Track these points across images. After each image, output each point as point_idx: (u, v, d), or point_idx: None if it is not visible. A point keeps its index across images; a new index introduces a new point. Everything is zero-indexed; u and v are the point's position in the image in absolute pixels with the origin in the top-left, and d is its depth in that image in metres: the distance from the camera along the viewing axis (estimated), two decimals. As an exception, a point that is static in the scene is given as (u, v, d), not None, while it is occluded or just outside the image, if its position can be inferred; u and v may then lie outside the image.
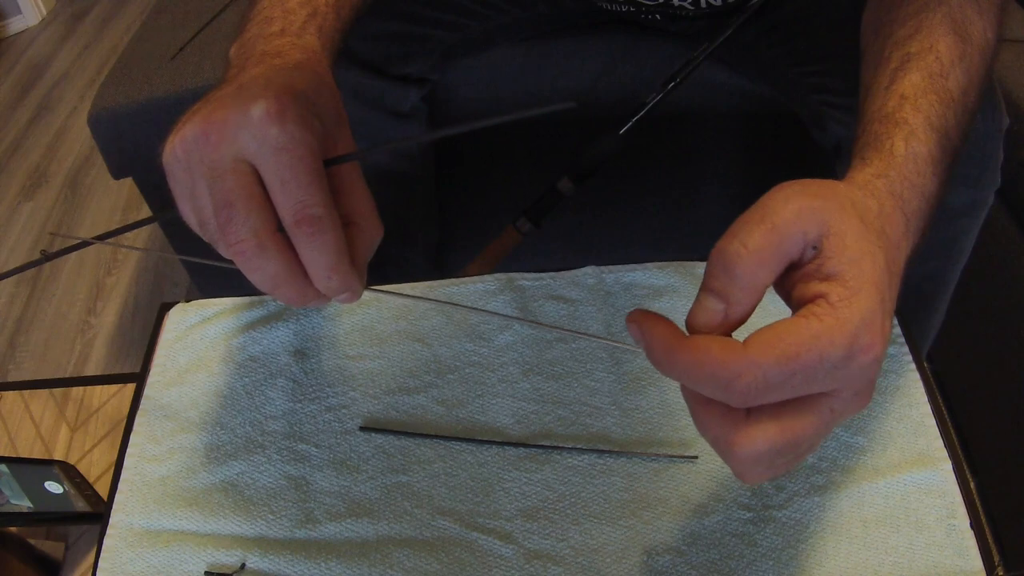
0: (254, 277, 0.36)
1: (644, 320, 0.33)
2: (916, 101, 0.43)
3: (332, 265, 0.36)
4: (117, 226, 0.43)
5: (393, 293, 0.43)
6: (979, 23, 0.48)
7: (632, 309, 0.35)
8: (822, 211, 0.32)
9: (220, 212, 0.35)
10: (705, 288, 0.33)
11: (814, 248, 0.32)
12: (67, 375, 1.44)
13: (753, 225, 0.31)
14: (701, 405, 0.33)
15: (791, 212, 0.31)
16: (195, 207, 0.37)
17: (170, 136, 0.38)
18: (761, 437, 0.31)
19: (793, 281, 0.33)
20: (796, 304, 0.33)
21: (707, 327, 0.32)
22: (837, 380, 0.31)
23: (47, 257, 0.42)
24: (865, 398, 0.32)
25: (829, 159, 0.77)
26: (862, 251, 0.32)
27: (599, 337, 0.41)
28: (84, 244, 0.42)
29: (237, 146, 0.35)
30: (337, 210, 0.37)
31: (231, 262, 0.37)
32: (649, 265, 0.64)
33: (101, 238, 0.42)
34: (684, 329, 0.33)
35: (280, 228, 0.36)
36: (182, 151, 0.37)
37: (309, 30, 0.45)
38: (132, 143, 1.11)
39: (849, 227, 0.32)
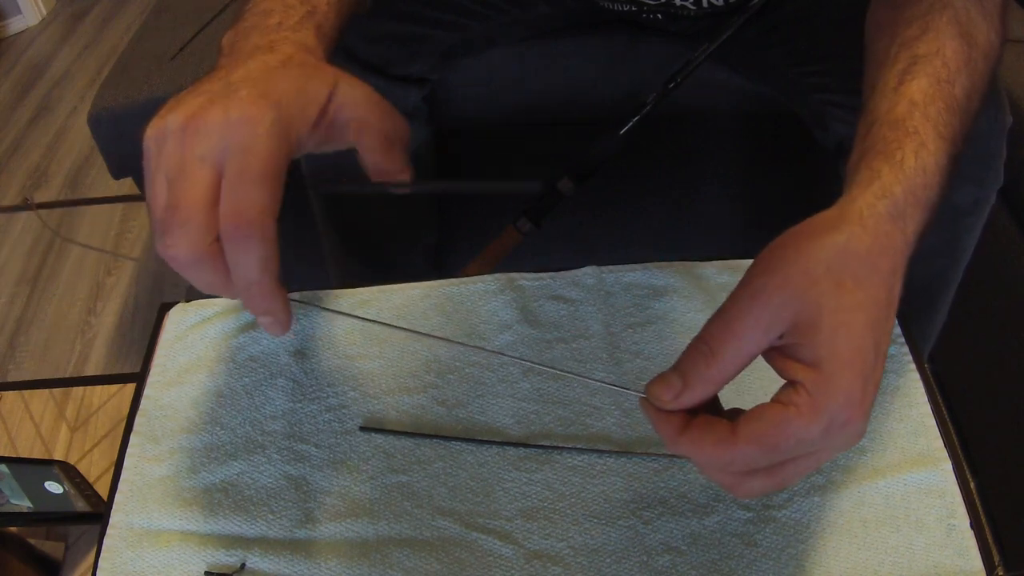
0: (193, 282, 0.36)
1: (653, 413, 0.38)
2: (925, 109, 0.43)
3: (253, 279, 0.35)
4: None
5: (325, 309, 0.41)
6: (983, 26, 0.48)
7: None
8: (786, 305, 0.35)
9: (165, 211, 0.35)
10: (674, 365, 0.37)
11: (781, 338, 0.35)
12: (67, 375, 1.44)
13: (721, 330, 0.35)
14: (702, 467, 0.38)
15: (752, 319, 0.35)
16: (151, 194, 0.37)
17: (155, 118, 0.37)
18: (757, 486, 0.37)
19: (773, 357, 0.37)
20: (777, 371, 0.36)
21: (659, 399, 0.37)
22: (818, 448, 0.35)
23: (28, 206, 0.42)
24: (849, 447, 0.37)
25: (830, 158, 0.77)
26: (836, 325, 0.35)
27: (605, 382, 0.41)
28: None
29: (209, 145, 0.35)
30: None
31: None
32: (649, 265, 0.64)
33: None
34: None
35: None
36: (159, 137, 0.37)
37: (306, 26, 0.44)
38: (132, 143, 1.09)
39: (818, 305, 0.35)
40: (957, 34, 0.46)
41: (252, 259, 0.35)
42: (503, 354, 0.40)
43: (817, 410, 0.34)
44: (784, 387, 0.36)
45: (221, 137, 0.35)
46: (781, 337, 0.35)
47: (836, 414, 0.34)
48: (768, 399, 0.36)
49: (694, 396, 0.36)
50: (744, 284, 0.36)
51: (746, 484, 0.37)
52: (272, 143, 0.35)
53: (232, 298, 0.38)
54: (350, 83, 0.40)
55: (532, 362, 0.41)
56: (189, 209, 0.35)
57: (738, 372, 0.36)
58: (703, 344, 0.36)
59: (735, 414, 0.38)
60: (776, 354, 0.36)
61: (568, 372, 0.42)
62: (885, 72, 0.46)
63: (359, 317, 0.42)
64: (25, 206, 0.44)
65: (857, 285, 0.35)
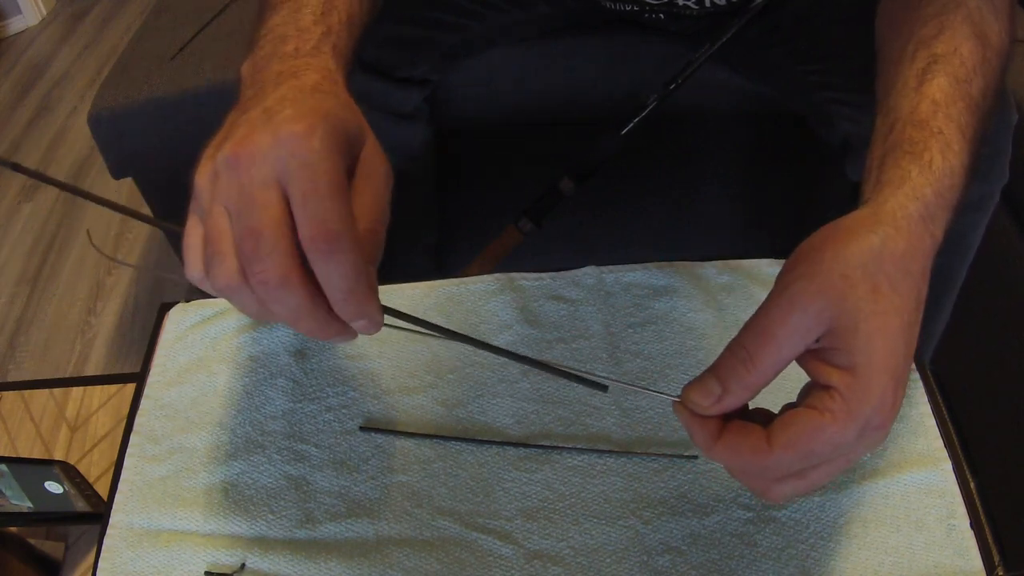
0: (275, 308, 0.35)
1: (688, 418, 0.38)
2: (948, 109, 0.43)
3: (348, 287, 0.35)
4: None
5: (414, 327, 0.40)
6: (995, 25, 0.48)
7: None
8: (824, 310, 0.35)
9: (246, 241, 0.34)
10: (711, 369, 0.37)
11: (817, 341, 0.36)
12: (67, 375, 1.44)
13: (759, 335, 0.35)
14: (735, 473, 0.39)
15: (792, 325, 0.35)
16: (207, 232, 0.36)
17: (203, 161, 0.37)
18: (788, 489, 0.37)
19: (806, 360, 0.37)
20: (810, 374, 0.37)
21: (698, 404, 0.37)
22: (851, 451, 0.36)
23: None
24: (876, 447, 0.37)
25: (835, 156, 0.77)
26: (872, 331, 0.35)
27: (644, 388, 0.41)
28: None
29: (267, 169, 0.34)
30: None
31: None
32: (649, 265, 0.64)
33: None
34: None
35: (305, 261, 0.35)
36: (212, 175, 0.36)
37: (323, 50, 0.44)
38: (132, 143, 1.11)
39: (856, 310, 0.35)
40: (972, 34, 0.47)
41: (346, 269, 0.34)
42: (575, 371, 0.40)
43: (852, 416, 0.34)
44: (816, 391, 0.36)
45: (277, 159, 0.34)
46: (817, 341, 0.36)
47: (870, 418, 0.34)
48: (780, 388, 0.36)
49: (733, 402, 0.36)
50: (781, 288, 0.36)
51: (777, 488, 0.37)
52: (332, 156, 0.35)
53: (313, 326, 0.36)
54: (375, 142, 0.40)
55: (600, 376, 0.41)
56: (273, 232, 0.34)
57: (775, 376, 0.36)
58: (741, 349, 0.36)
59: (760, 414, 0.38)
60: (810, 357, 0.36)
61: (613, 380, 0.41)
62: (903, 71, 0.46)
63: (438, 329, 0.41)
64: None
65: (892, 289, 0.36)
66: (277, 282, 0.34)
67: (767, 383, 0.36)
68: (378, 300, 0.37)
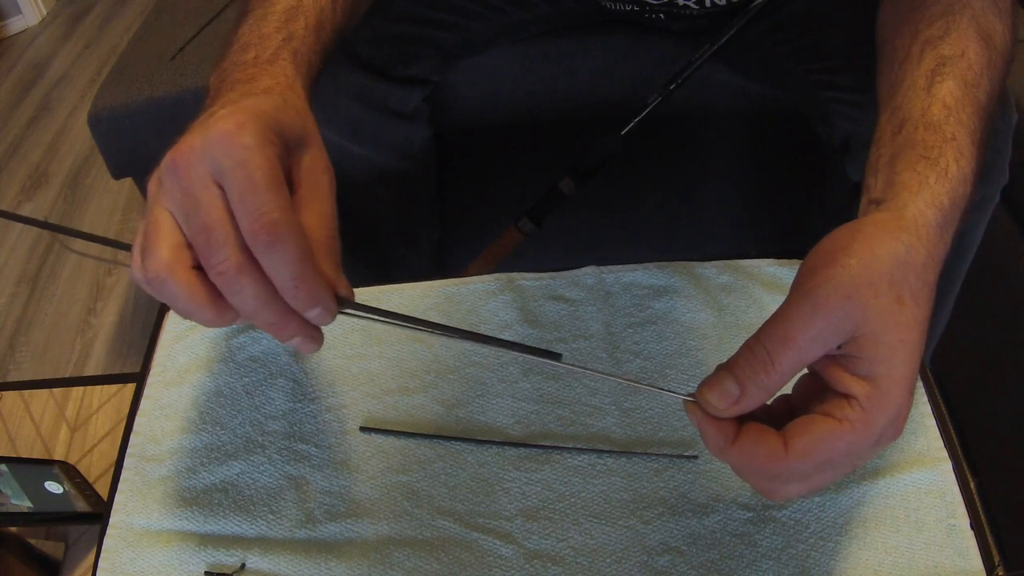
0: (236, 300, 0.36)
1: (702, 420, 0.37)
2: (958, 114, 0.43)
3: (296, 274, 0.35)
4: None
5: (373, 317, 0.39)
6: (999, 27, 0.48)
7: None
8: (849, 318, 0.35)
9: (198, 237, 0.35)
10: (728, 369, 0.36)
11: (839, 347, 0.35)
12: (67, 375, 1.44)
13: (781, 339, 0.35)
14: (744, 475, 0.39)
15: (815, 330, 0.35)
16: (143, 228, 0.37)
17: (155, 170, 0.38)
18: (793, 491, 0.37)
19: (825, 366, 0.36)
20: (827, 380, 0.36)
21: (715, 407, 0.36)
22: (860, 458, 0.36)
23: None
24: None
25: (835, 155, 0.77)
26: (896, 342, 0.35)
27: (659, 387, 0.41)
28: None
29: (202, 169, 0.35)
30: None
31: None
32: (649, 265, 0.64)
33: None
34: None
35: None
36: (158, 179, 0.37)
37: (282, 56, 0.44)
38: (132, 143, 1.10)
39: (882, 321, 0.35)
40: (978, 36, 0.46)
41: (290, 255, 0.35)
42: (583, 368, 0.41)
43: (871, 426, 0.34)
44: (834, 398, 0.36)
45: (211, 159, 0.35)
46: (838, 347, 0.35)
47: (886, 428, 0.35)
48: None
49: (750, 404, 0.36)
50: (805, 292, 0.35)
51: (783, 490, 0.37)
52: (264, 150, 0.35)
53: (274, 315, 0.36)
54: (320, 151, 0.40)
55: (607, 374, 0.41)
56: (223, 227, 0.35)
57: (791, 380, 0.36)
58: (762, 351, 0.35)
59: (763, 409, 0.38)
60: (828, 363, 0.36)
61: (639, 383, 0.41)
62: (911, 70, 0.46)
63: (409, 320, 0.41)
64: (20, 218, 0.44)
65: (913, 300, 0.36)
66: (235, 270, 0.35)
67: (782, 386, 0.36)
68: (329, 289, 0.37)
